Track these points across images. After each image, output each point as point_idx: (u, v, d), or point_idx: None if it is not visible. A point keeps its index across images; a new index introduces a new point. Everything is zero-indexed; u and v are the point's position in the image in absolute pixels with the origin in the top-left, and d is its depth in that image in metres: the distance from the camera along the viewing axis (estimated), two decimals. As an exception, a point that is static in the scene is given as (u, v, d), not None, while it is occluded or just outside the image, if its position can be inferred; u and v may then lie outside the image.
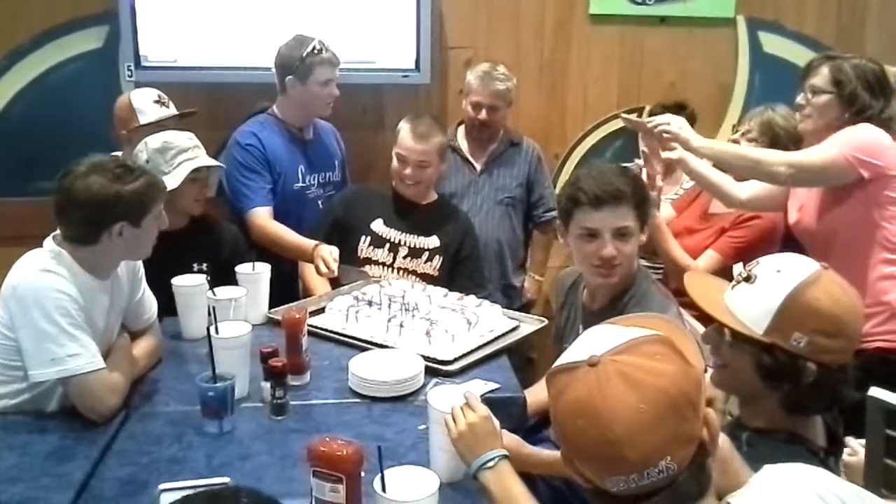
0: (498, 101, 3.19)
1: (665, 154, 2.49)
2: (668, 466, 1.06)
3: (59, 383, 1.90)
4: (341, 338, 2.34)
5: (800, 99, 2.46)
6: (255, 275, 2.45)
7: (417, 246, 2.86)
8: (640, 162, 2.58)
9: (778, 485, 1.15)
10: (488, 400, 1.71)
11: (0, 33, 3.41)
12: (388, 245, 2.85)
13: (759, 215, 2.67)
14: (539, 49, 3.68)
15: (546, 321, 2.48)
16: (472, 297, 2.52)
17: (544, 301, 3.48)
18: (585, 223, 2.03)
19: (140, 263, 2.18)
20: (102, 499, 1.62)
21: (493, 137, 3.27)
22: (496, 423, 1.59)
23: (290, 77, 2.93)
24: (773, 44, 3.76)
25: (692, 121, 2.63)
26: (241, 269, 2.45)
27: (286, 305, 2.48)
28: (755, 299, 1.47)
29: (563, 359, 1.15)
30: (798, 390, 1.46)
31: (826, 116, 2.40)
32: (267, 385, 1.94)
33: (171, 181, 2.42)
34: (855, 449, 1.52)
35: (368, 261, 2.84)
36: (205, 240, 2.60)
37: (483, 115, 3.18)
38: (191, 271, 2.43)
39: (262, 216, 2.89)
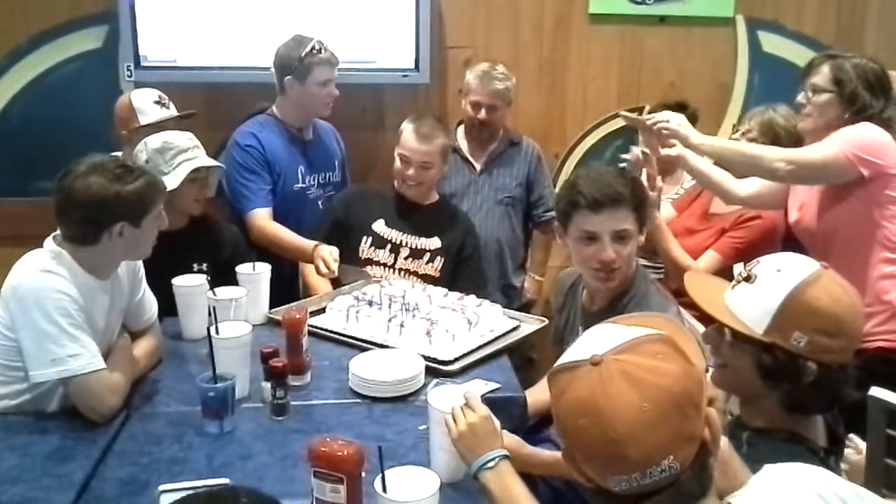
0: (497, 101, 3.18)
1: (664, 151, 2.49)
2: (670, 466, 1.06)
3: (60, 384, 1.90)
4: (342, 338, 2.34)
5: (800, 98, 2.46)
6: (256, 275, 2.45)
7: (419, 247, 2.86)
8: (637, 150, 2.57)
9: (778, 484, 1.15)
10: (489, 400, 1.71)
11: (0, 33, 3.41)
12: (389, 246, 2.85)
13: (759, 216, 2.67)
14: (538, 48, 3.68)
15: (546, 321, 2.48)
16: (473, 297, 2.52)
17: (544, 301, 3.48)
18: (584, 226, 2.03)
19: (140, 263, 2.18)
20: (103, 499, 1.62)
21: (492, 137, 3.27)
22: (496, 423, 1.59)
23: (288, 77, 2.93)
24: (773, 43, 3.76)
25: (694, 121, 2.63)
26: (242, 269, 2.45)
27: (286, 305, 2.48)
28: (755, 299, 1.47)
29: (565, 358, 1.16)
30: (798, 390, 1.46)
31: (826, 115, 2.40)
32: (267, 385, 1.94)
33: (171, 181, 2.42)
34: (859, 447, 1.52)
35: (370, 261, 2.84)
36: (205, 240, 2.60)
37: (482, 114, 3.18)
38: (191, 271, 2.43)
39: (262, 217, 2.88)
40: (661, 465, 1.06)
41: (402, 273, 2.83)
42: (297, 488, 1.57)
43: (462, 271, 2.86)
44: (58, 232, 1.97)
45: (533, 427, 2.10)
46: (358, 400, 2.03)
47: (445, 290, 2.57)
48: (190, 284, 2.35)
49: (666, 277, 2.86)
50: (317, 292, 2.76)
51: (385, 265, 2.84)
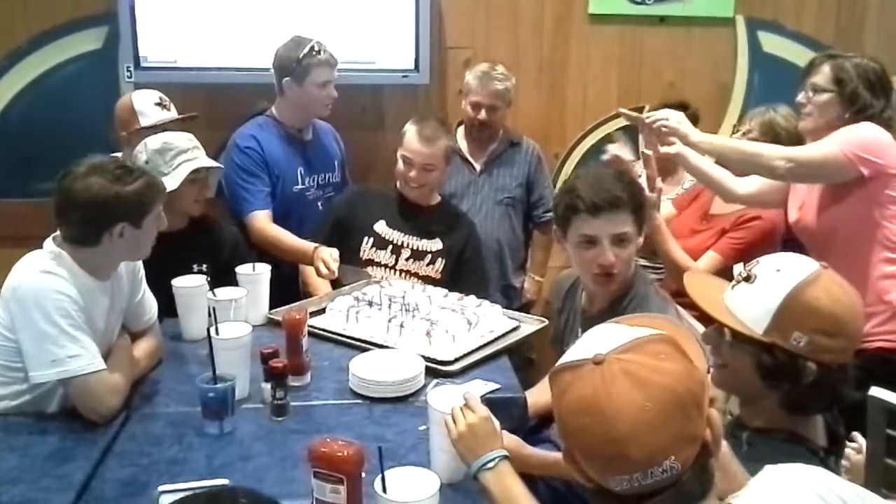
0: (497, 101, 3.18)
1: (663, 149, 2.48)
2: (671, 466, 1.06)
3: (60, 384, 1.90)
4: (342, 338, 2.34)
5: (801, 97, 2.46)
6: (256, 275, 2.45)
7: (420, 248, 2.85)
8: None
9: (779, 485, 1.15)
10: (489, 400, 1.71)
11: (-1, 34, 3.42)
12: (390, 247, 2.85)
13: (759, 216, 2.67)
14: (538, 49, 3.68)
15: (546, 321, 2.48)
16: (472, 297, 2.52)
17: (544, 302, 3.48)
18: (584, 230, 2.02)
19: (140, 264, 2.18)
20: (103, 500, 1.62)
21: (492, 137, 3.27)
22: (496, 423, 1.58)
23: (287, 79, 2.92)
24: (773, 43, 3.76)
25: (695, 121, 2.63)
26: (242, 269, 2.45)
27: (286, 306, 2.48)
28: (755, 299, 1.47)
29: (568, 357, 1.16)
30: (798, 390, 1.46)
31: (827, 115, 2.40)
32: (267, 386, 1.94)
33: (171, 182, 2.42)
34: (861, 446, 1.52)
35: (371, 262, 2.83)
36: (205, 241, 2.60)
37: (482, 115, 3.18)
38: (191, 272, 2.43)
39: (262, 219, 2.88)
40: (662, 465, 1.06)
41: (403, 274, 2.82)
42: (297, 489, 1.57)
43: (463, 273, 2.86)
44: (58, 233, 1.97)
45: (533, 428, 2.11)
46: (358, 400, 2.03)
47: (445, 291, 2.57)
48: (190, 285, 2.35)
49: (666, 278, 2.86)
50: (318, 293, 2.76)
51: (386, 266, 2.84)
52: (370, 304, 2.43)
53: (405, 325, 2.29)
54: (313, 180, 3.07)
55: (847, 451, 1.58)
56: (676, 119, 2.45)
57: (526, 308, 3.21)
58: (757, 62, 3.77)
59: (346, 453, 1.45)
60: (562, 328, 2.30)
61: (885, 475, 1.42)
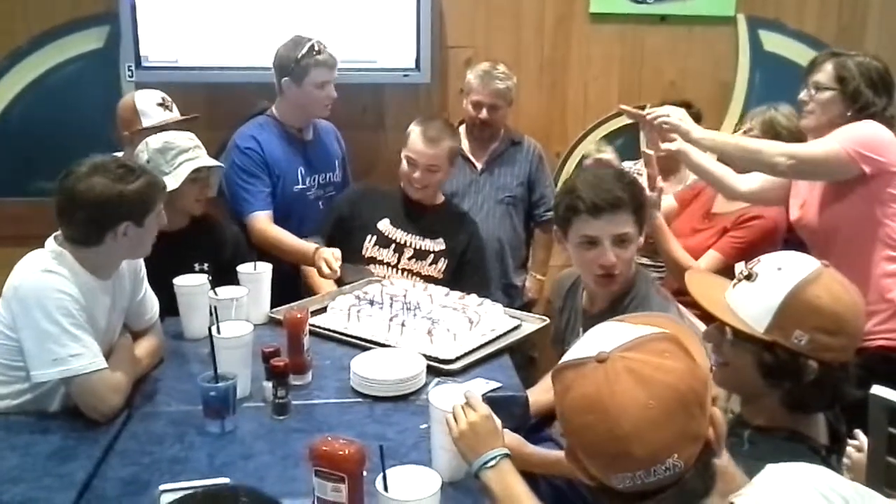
0: (498, 101, 3.18)
1: (665, 145, 2.47)
2: (674, 464, 1.06)
3: (62, 383, 1.90)
4: (343, 337, 2.34)
5: (803, 95, 2.46)
6: (257, 274, 2.45)
7: (423, 248, 2.85)
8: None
9: (781, 484, 1.15)
10: (490, 399, 1.71)
11: (0, 34, 3.41)
12: (393, 245, 2.85)
13: (760, 215, 2.67)
14: (539, 48, 3.68)
15: (548, 320, 2.47)
16: (474, 296, 2.52)
17: (545, 300, 3.48)
18: (585, 231, 2.01)
19: (142, 263, 2.18)
20: (104, 499, 1.62)
21: (493, 136, 3.27)
22: (497, 422, 1.58)
23: (285, 78, 2.92)
24: (774, 42, 3.76)
25: (697, 120, 2.63)
26: (243, 268, 2.45)
27: (288, 305, 2.48)
28: (756, 297, 1.47)
29: (571, 355, 1.16)
30: (799, 388, 1.46)
31: (829, 113, 2.40)
32: (269, 385, 1.94)
33: (172, 181, 2.42)
34: (863, 444, 1.52)
35: (373, 260, 2.83)
36: (206, 240, 2.60)
37: (484, 114, 3.18)
38: (192, 271, 2.43)
39: (262, 220, 2.88)
40: (665, 463, 1.06)
41: (405, 273, 2.82)
42: (298, 488, 1.57)
43: (465, 273, 2.86)
44: (59, 232, 1.97)
45: (534, 426, 2.10)
46: (359, 399, 2.03)
47: (447, 290, 2.57)
48: (191, 284, 2.35)
49: (667, 277, 2.86)
50: (322, 292, 2.76)
51: (388, 265, 2.84)
52: (371, 302, 2.44)
53: (406, 324, 2.29)
54: (314, 180, 3.07)
55: (848, 449, 1.58)
56: (678, 115, 2.44)
57: (527, 307, 3.21)
58: (758, 61, 3.77)
59: (347, 452, 1.44)
60: (563, 327, 2.30)
61: (887, 473, 1.42)
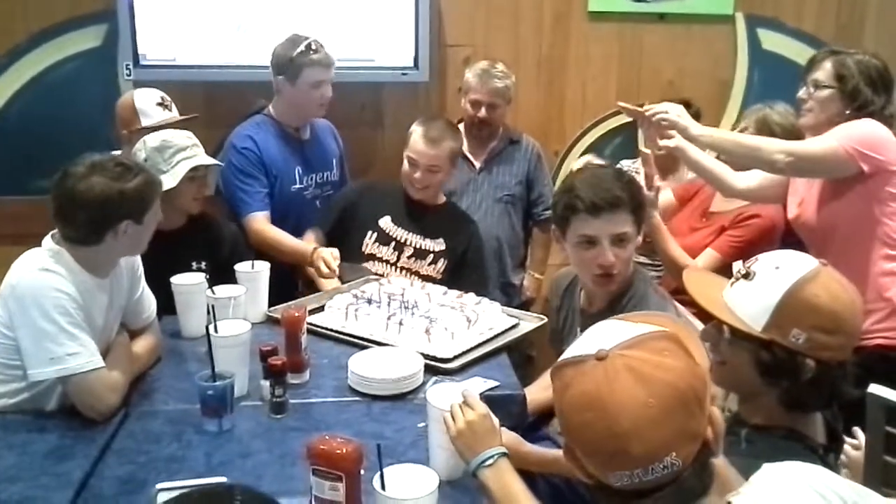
0: (497, 99, 3.18)
1: (663, 142, 2.46)
2: (672, 462, 1.06)
3: (59, 382, 1.89)
4: (341, 336, 2.34)
5: (801, 93, 2.46)
6: (255, 273, 2.45)
7: (423, 247, 2.85)
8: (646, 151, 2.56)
9: (779, 483, 1.15)
10: (488, 398, 1.71)
11: (-1, 32, 3.42)
12: (393, 243, 2.85)
13: (758, 214, 2.67)
14: (538, 46, 3.67)
15: (545, 319, 2.47)
16: (472, 294, 2.52)
17: (543, 299, 3.48)
18: (584, 231, 2.01)
19: (139, 262, 2.18)
20: (102, 497, 1.62)
21: (492, 135, 3.27)
22: (495, 420, 1.58)
23: (280, 77, 2.91)
24: (773, 41, 3.76)
25: (696, 118, 2.62)
26: (241, 267, 2.45)
27: (285, 304, 2.48)
28: (754, 296, 1.47)
29: (570, 352, 1.16)
30: (797, 387, 1.46)
31: (827, 111, 2.40)
32: (266, 383, 1.94)
33: (170, 180, 2.42)
34: (861, 442, 1.52)
35: (372, 257, 2.83)
36: (203, 238, 2.60)
37: (482, 113, 3.17)
38: (190, 270, 2.43)
39: (260, 221, 2.88)
40: (663, 461, 1.06)
41: (404, 272, 2.82)
42: (295, 486, 1.57)
43: (464, 275, 2.85)
44: (56, 230, 1.97)
45: (532, 425, 2.10)
46: (357, 398, 2.03)
47: (444, 289, 2.56)
48: (189, 283, 2.34)
49: (665, 276, 2.86)
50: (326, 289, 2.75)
51: (387, 262, 2.84)
52: (369, 301, 2.43)
53: (404, 323, 2.29)
54: (311, 179, 3.06)
55: (845, 447, 1.58)
56: (676, 112, 2.44)
57: (525, 306, 3.22)
58: (757, 59, 3.77)
59: (344, 451, 1.44)
60: (560, 326, 2.30)
61: (884, 472, 1.42)
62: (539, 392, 2.09)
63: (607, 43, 3.69)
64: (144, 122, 2.83)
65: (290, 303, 2.51)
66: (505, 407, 1.84)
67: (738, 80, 3.78)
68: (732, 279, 1.54)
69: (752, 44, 3.76)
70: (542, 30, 3.66)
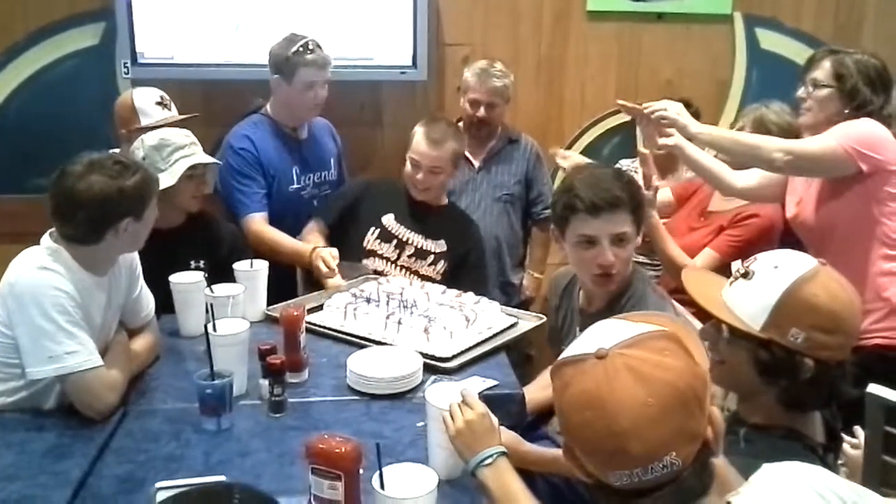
0: (496, 98, 3.18)
1: (662, 140, 2.46)
2: (672, 462, 1.06)
3: (57, 381, 1.89)
4: (339, 335, 2.34)
5: (800, 92, 2.46)
6: (253, 272, 2.44)
7: (424, 248, 2.85)
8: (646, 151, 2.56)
9: (778, 483, 1.15)
10: (486, 397, 1.71)
11: (-4, 30, 3.42)
12: (395, 241, 2.84)
13: (757, 214, 2.67)
14: (536, 46, 3.68)
15: (544, 318, 2.47)
16: (471, 294, 2.52)
17: (543, 298, 3.48)
18: (583, 231, 2.01)
19: (138, 261, 2.18)
20: (100, 496, 1.62)
21: (491, 134, 3.27)
22: (494, 419, 1.58)
23: (276, 76, 2.90)
24: (771, 40, 3.76)
25: (696, 118, 2.62)
26: (239, 266, 2.44)
27: (284, 302, 2.48)
28: (753, 295, 1.47)
29: (570, 351, 1.16)
30: (795, 386, 1.46)
31: (826, 110, 2.40)
32: (265, 382, 1.94)
33: (168, 178, 2.41)
34: (860, 441, 1.52)
35: (373, 253, 2.83)
36: (202, 237, 2.60)
37: (481, 112, 3.17)
38: (188, 268, 2.42)
39: (258, 222, 2.87)
40: (663, 461, 1.06)
41: (404, 270, 2.82)
42: (294, 485, 1.57)
43: (464, 278, 2.84)
44: (54, 229, 1.96)
45: (531, 424, 2.10)
46: (356, 397, 2.03)
47: (443, 288, 2.56)
48: (187, 281, 2.34)
49: (663, 275, 2.86)
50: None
51: (388, 259, 2.83)
52: (368, 300, 2.43)
53: (403, 322, 2.29)
54: (309, 179, 3.06)
55: (844, 446, 1.58)
56: (675, 110, 2.44)
57: (524, 305, 3.22)
58: (755, 59, 3.77)
59: (343, 450, 1.44)
60: (559, 326, 2.29)
61: (883, 472, 1.42)
62: (538, 391, 2.09)
63: (606, 42, 3.70)
64: (144, 122, 2.82)
65: (288, 302, 2.51)
66: (504, 406, 1.84)
67: (737, 79, 3.79)
68: (731, 278, 1.54)
69: (750, 43, 3.76)
70: (540, 29, 3.66)
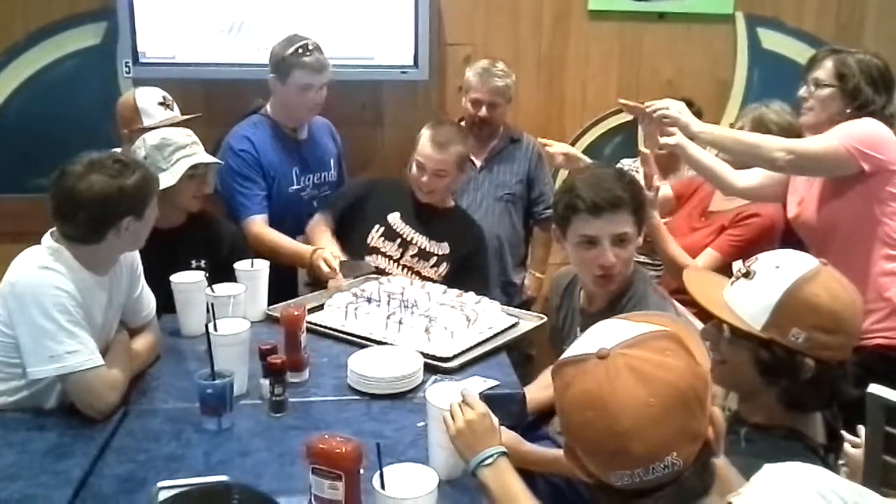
0: (497, 98, 3.17)
1: (663, 139, 2.46)
2: (673, 462, 1.06)
3: (58, 380, 1.89)
4: (340, 335, 2.34)
5: (802, 92, 2.46)
6: (254, 271, 2.45)
7: (428, 249, 2.85)
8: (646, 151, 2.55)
9: (779, 483, 1.15)
10: (487, 397, 1.71)
11: (-3, 30, 3.41)
12: (399, 240, 2.84)
13: (758, 213, 2.67)
14: (537, 45, 3.67)
15: (545, 318, 2.47)
16: (472, 293, 2.52)
17: (544, 298, 3.48)
18: (584, 231, 2.00)
19: (139, 260, 2.18)
20: (101, 496, 1.62)
21: (493, 134, 3.26)
22: (494, 419, 1.58)
23: (272, 76, 2.90)
24: (772, 40, 3.76)
25: (698, 118, 2.61)
26: (240, 265, 2.44)
27: (285, 302, 2.48)
28: (754, 295, 1.47)
29: (571, 351, 1.16)
30: (796, 386, 1.46)
31: (828, 110, 2.39)
32: (266, 382, 1.94)
33: (169, 178, 2.41)
34: (861, 440, 1.52)
35: (376, 250, 2.82)
36: (203, 237, 2.59)
37: (483, 111, 3.17)
38: (189, 268, 2.42)
39: (258, 223, 2.87)
40: (664, 461, 1.06)
41: (406, 270, 2.82)
42: (295, 485, 1.57)
43: (466, 278, 2.83)
44: (55, 228, 1.96)
45: (531, 424, 2.10)
46: (356, 397, 2.03)
47: (444, 287, 2.56)
48: (188, 281, 2.34)
49: (664, 276, 2.86)
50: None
51: (390, 258, 2.83)
52: (369, 300, 2.43)
53: (404, 322, 2.29)
54: (308, 180, 3.05)
55: (845, 445, 1.58)
56: (677, 109, 2.44)
57: (526, 305, 3.21)
58: (756, 59, 3.77)
59: (344, 450, 1.44)
60: (560, 326, 2.29)
61: (884, 472, 1.42)
62: (539, 391, 2.09)
63: (607, 42, 3.69)
64: (146, 122, 2.82)
65: (289, 301, 2.51)
66: (504, 406, 1.83)
67: (738, 79, 3.79)
68: (732, 278, 1.54)
69: (751, 43, 3.76)
70: (541, 29, 3.66)
